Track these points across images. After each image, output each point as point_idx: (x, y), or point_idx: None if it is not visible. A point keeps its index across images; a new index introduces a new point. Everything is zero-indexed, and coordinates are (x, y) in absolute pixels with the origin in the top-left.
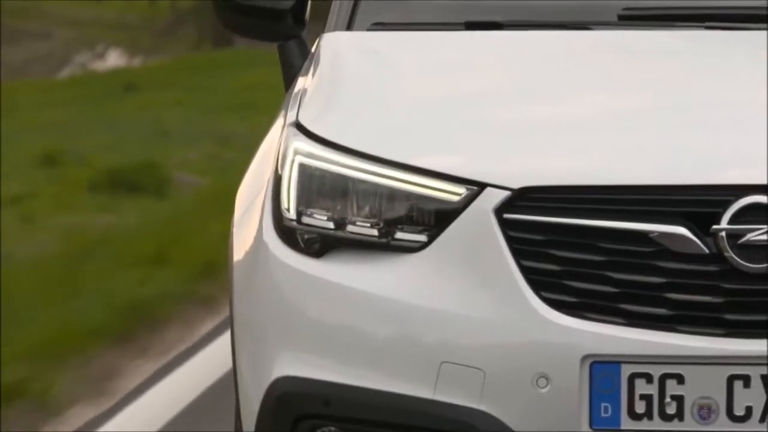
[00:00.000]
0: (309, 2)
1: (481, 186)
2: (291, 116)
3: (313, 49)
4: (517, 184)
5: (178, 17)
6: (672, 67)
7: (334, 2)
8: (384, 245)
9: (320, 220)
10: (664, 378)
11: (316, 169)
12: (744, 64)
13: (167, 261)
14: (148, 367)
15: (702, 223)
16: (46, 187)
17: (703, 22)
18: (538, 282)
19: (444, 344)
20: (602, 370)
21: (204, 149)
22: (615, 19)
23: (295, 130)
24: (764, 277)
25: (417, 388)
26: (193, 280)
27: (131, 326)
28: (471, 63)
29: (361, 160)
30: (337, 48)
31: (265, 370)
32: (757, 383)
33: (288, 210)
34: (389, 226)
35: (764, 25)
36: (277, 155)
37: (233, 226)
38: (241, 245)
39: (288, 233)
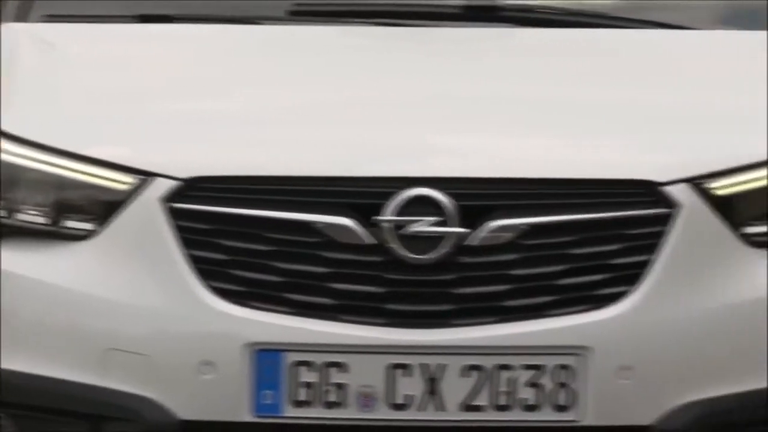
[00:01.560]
0: None
1: (150, 176)
2: None
3: None
4: (185, 174)
5: None
6: (339, 63)
7: None
8: (53, 233)
9: None
10: (326, 366)
11: None
12: (410, 60)
13: None
14: None
15: (368, 214)
16: None
17: (371, 18)
18: (207, 271)
19: (111, 331)
20: (266, 358)
21: None
22: (283, 14)
23: None
24: (426, 268)
25: (85, 375)
26: None
27: None
28: (142, 55)
29: (31, 149)
30: (10, 39)
31: None
32: (417, 372)
33: None
34: (58, 215)
35: (431, 23)
36: None
37: None
38: None
39: None
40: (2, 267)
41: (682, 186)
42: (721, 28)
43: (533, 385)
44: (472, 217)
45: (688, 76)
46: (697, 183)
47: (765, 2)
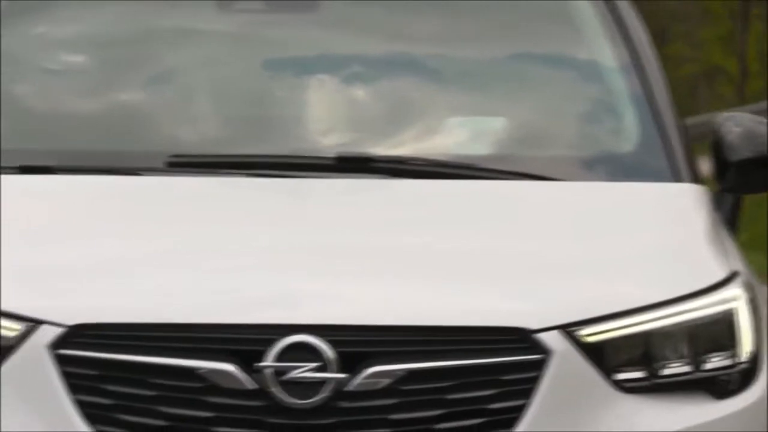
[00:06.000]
0: None
1: (37, 322)
2: None
3: None
4: (71, 321)
5: None
6: (218, 213)
7: None
8: None
9: None
10: None
11: None
12: (286, 210)
13: None
14: None
15: (250, 360)
16: None
17: (247, 170)
18: (93, 415)
19: None
20: None
21: None
22: (162, 165)
23: None
24: (307, 413)
25: None
26: None
27: None
28: (27, 206)
29: None
30: None
31: None
32: None
33: None
34: None
35: (306, 174)
36: None
37: None
38: None
39: None
40: None
41: (554, 333)
42: (588, 179)
43: None
44: (352, 362)
45: (559, 226)
46: (568, 330)
47: (631, 156)
